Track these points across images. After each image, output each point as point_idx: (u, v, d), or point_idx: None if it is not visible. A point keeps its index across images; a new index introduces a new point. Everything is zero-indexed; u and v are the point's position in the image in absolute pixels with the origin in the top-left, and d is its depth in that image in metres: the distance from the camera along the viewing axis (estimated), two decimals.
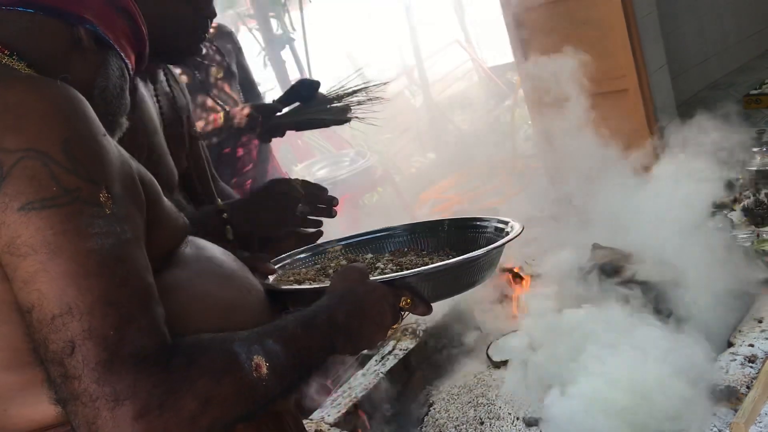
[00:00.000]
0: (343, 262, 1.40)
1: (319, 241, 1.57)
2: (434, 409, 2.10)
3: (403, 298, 1.06)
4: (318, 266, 1.41)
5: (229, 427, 0.83)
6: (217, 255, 1.08)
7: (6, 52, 0.92)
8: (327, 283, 1.16)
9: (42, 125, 0.80)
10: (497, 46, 6.28)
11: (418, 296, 1.08)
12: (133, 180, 0.89)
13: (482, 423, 1.95)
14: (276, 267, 1.37)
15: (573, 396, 1.82)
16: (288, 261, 1.44)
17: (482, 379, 2.15)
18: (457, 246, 1.39)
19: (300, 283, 1.31)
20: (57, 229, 0.77)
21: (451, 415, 2.03)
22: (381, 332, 1.04)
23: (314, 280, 1.33)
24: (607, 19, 3.43)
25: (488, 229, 1.39)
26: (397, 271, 1.24)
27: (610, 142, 3.06)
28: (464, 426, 1.97)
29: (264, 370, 0.85)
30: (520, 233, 1.25)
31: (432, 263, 1.27)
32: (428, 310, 1.09)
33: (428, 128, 6.30)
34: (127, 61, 1.09)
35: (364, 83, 2.29)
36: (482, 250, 1.20)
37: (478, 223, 1.42)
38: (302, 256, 1.47)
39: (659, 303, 2.07)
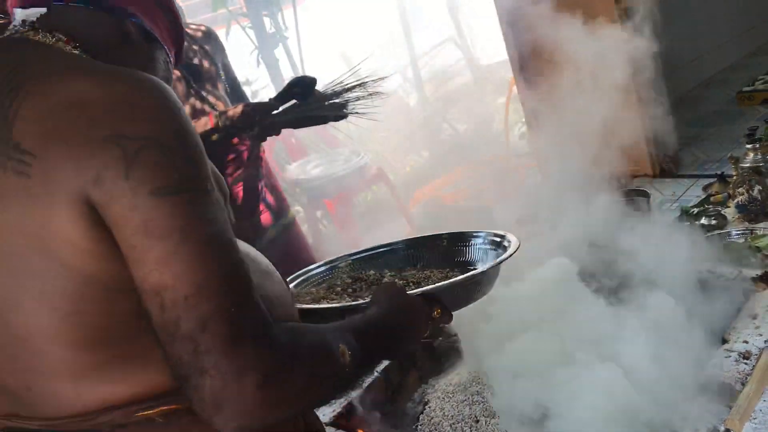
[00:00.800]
0: (348, 280, 1.48)
1: (330, 258, 1.65)
2: (429, 407, 2.09)
3: (435, 309, 1.16)
4: (325, 284, 1.50)
5: (318, 406, 0.95)
6: (251, 251, 1.10)
7: (73, 44, 0.95)
8: (349, 301, 1.29)
9: (156, 116, 0.84)
10: (491, 44, 6.28)
11: (444, 307, 1.18)
12: (213, 172, 0.93)
13: (477, 421, 1.95)
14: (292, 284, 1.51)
15: (567, 394, 1.82)
16: (303, 276, 1.55)
17: (477, 377, 2.14)
18: (451, 259, 1.45)
19: (317, 302, 1.39)
20: (185, 215, 0.81)
21: (446, 414, 2.02)
22: (418, 340, 1.15)
23: (326, 298, 1.41)
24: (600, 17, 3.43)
25: (483, 243, 1.45)
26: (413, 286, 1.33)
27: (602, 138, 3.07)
28: (459, 424, 1.96)
29: (347, 359, 0.91)
30: (518, 247, 1.36)
31: (434, 277, 1.35)
32: (451, 320, 1.18)
33: (422, 126, 6.29)
34: (169, 55, 1.12)
35: (362, 78, 2.27)
36: (493, 262, 1.30)
37: (473, 237, 1.47)
38: (315, 271, 1.57)
39: (652, 300, 2.07)
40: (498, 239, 1.44)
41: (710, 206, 3.15)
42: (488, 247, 1.47)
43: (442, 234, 1.55)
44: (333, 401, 1.04)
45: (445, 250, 1.52)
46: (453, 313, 1.22)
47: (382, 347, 1.06)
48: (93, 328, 0.85)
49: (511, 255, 1.34)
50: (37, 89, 0.84)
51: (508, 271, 1.45)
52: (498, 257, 1.37)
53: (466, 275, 1.28)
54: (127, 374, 0.87)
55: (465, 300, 1.29)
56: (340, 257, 1.60)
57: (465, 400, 2.06)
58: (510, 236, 1.41)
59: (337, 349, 0.91)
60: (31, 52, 0.92)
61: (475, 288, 1.30)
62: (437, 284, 1.25)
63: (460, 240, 1.52)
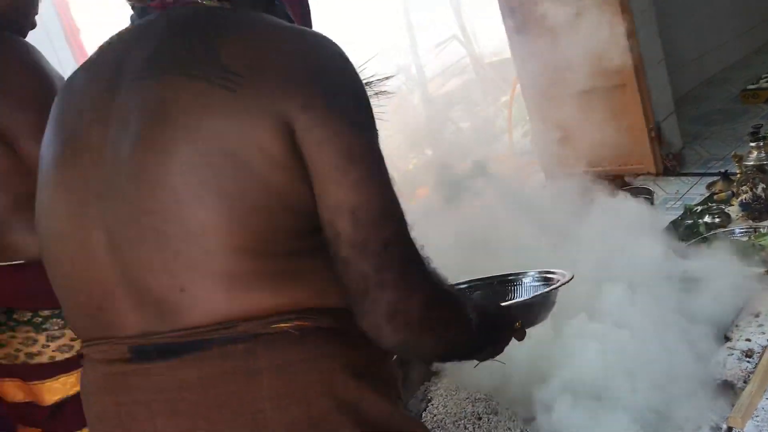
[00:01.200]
0: None
1: None
2: (432, 404, 2.10)
3: (517, 323, 1.21)
4: None
5: (445, 353, 1.07)
6: None
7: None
8: None
9: (344, 66, 0.97)
10: (495, 42, 6.28)
11: (523, 323, 1.23)
12: None
13: (480, 418, 1.95)
14: None
15: (570, 391, 1.82)
16: None
17: (479, 375, 2.15)
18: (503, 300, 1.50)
19: None
20: (375, 148, 0.93)
21: (449, 411, 2.03)
22: (502, 347, 1.19)
23: None
24: (605, 15, 3.42)
25: (533, 281, 1.52)
26: None
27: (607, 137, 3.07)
28: (462, 422, 1.97)
29: (473, 327, 1.02)
30: (572, 277, 1.40)
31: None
32: (524, 337, 1.23)
33: (426, 124, 6.28)
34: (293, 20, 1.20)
35: (367, 78, 2.26)
36: (558, 283, 1.37)
37: (523, 276, 1.54)
38: None
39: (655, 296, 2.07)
40: (549, 275, 1.49)
41: (714, 204, 3.15)
42: (539, 284, 1.50)
43: (494, 276, 1.58)
44: (456, 359, 1.12)
45: (496, 290, 1.55)
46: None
47: (483, 342, 1.12)
48: (261, 239, 0.91)
49: (569, 281, 1.37)
50: (237, 34, 0.96)
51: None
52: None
53: (542, 292, 1.35)
54: (275, 287, 0.92)
55: (534, 320, 1.33)
56: None
57: (468, 397, 2.06)
58: (560, 271, 1.45)
59: (470, 314, 1.02)
60: (216, 11, 1.01)
61: (548, 308, 1.36)
62: (523, 299, 1.34)
63: (510, 281, 1.55)
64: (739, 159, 3.21)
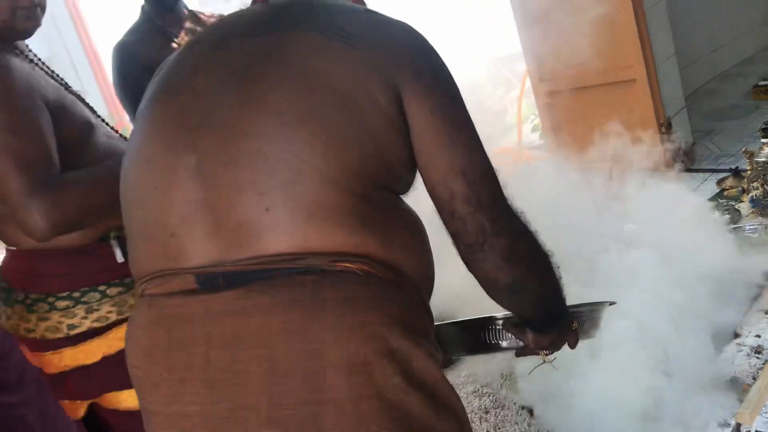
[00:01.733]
0: None
1: None
2: None
3: (574, 323, 1.27)
4: None
5: (542, 300, 1.14)
6: None
7: None
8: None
9: (434, 52, 1.10)
10: (504, 36, 6.25)
11: (578, 327, 1.30)
12: None
13: (487, 412, 1.96)
14: None
15: (576, 387, 1.82)
16: None
17: (487, 369, 2.15)
18: None
19: None
20: (470, 116, 1.06)
21: None
22: (563, 341, 1.25)
23: None
24: (615, 9, 3.40)
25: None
26: None
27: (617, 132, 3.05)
28: (469, 415, 1.97)
29: (558, 276, 1.14)
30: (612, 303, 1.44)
31: None
32: (576, 343, 1.28)
33: None
34: None
35: None
36: (606, 301, 1.41)
37: None
38: None
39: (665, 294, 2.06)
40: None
41: (724, 201, 3.13)
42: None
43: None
44: (546, 314, 1.18)
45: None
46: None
47: (549, 322, 1.20)
48: (349, 176, 0.99)
49: (611, 304, 1.42)
50: (342, 12, 1.08)
51: None
52: None
53: (600, 302, 1.39)
54: (349, 228, 0.98)
55: (583, 330, 1.36)
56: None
57: (475, 391, 2.06)
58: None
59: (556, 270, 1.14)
60: (315, 1, 1.12)
61: (595, 323, 1.40)
62: (586, 302, 1.36)
63: None
64: (750, 155, 3.18)
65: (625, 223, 2.53)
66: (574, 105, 3.59)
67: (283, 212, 0.97)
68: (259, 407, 0.96)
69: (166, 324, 1.02)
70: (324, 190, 0.97)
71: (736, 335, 1.92)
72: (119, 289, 1.62)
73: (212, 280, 1.00)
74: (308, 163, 0.98)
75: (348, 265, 0.98)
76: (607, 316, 1.39)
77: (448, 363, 1.60)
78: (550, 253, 1.13)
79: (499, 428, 1.87)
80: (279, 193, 0.97)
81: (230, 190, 0.99)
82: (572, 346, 1.27)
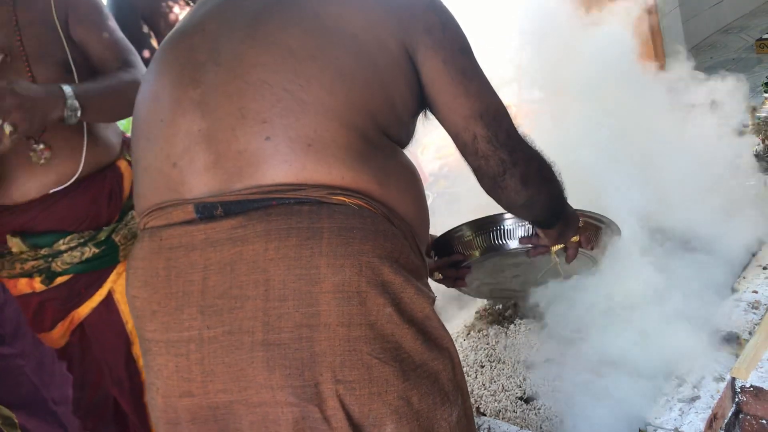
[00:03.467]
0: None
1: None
2: None
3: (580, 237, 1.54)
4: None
5: (551, 203, 1.34)
6: None
7: None
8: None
9: (444, 6, 1.18)
10: None
11: (593, 234, 1.57)
12: None
13: (482, 366, 1.96)
14: None
15: (572, 348, 1.82)
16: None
17: (483, 323, 2.15)
18: None
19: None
20: (478, 62, 1.16)
21: None
22: (565, 238, 1.52)
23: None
24: None
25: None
26: None
27: None
28: (465, 369, 1.97)
29: (562, 182, 1.35)
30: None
31: None
32: (590, 246, 1.60)
33: None
34: None
35: None
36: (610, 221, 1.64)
37: None
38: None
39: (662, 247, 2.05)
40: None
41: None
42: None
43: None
44: (556, 212, 1.42)
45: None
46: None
47: (563, 202, 1.40)
48: (353, 111, 1.03)
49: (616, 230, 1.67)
50: None
51: None
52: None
53: (605, 217, 1.61)
54: (347, 162, 1.02)
55: (592, 236, 1.58)
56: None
57: (470, 346, 2.06)
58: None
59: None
60: None
61: (601, 233, 1.61)
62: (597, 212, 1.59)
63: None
64: (753, 110, 3.14)
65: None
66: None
67: (283, 141, 0.99)
68: (254, 330, 0.98)
69: (166, 254, 1.04)
70: (326, 122, 1.00)
71: (734, 291, 1.92)
72: None
73: (211, 210, 1.02)
74: (313, 95, 1.00)
75: (344, 198, 1.01)
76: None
77: (464, 270, 1.73)
78: (552, 163, 1.29)
79: (494, 381, 1.87)
80: (281, 122, 0.99)
81: (233, 119, 1.01)
82: (587, 244, 1.53)
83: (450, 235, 1.68)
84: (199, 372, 1.00)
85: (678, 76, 2.59)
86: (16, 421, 1.51)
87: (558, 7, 2.46)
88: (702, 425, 1.54)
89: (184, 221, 1.03)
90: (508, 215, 1.58)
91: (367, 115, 1.04)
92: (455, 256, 1.67)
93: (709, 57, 4.41)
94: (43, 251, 1.78)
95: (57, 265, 1.80)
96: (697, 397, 1.61)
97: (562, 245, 1.53)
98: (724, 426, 1.64)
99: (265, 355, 0.97)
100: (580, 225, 1.51)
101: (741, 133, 3.21)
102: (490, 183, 1.20)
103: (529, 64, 2.62)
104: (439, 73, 1.11)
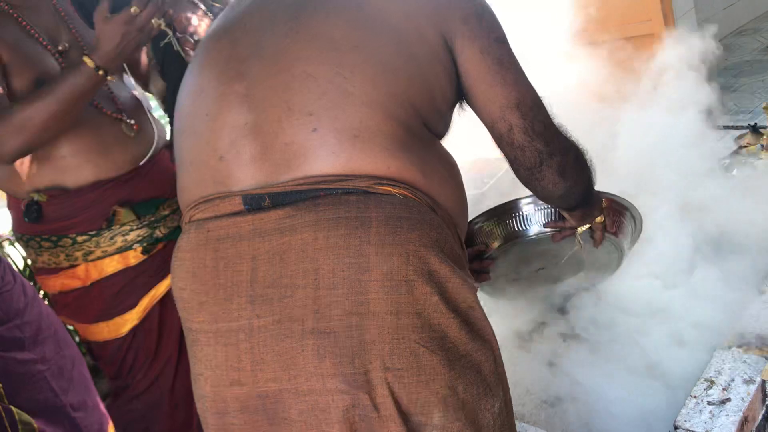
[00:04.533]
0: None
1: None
2: None
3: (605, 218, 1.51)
4: None
5: (585, 190, 1.32)
6: None
7: None
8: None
9: None
10: None
11: (615, 216, 1.55)
12: None
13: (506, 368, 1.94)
14: None
15: (596, 349, 1.80)
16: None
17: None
18: None
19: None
20: (513, 53, 1.14)
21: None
22: (590, 218, 1.49)
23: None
24: None
25: None
26: None
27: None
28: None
29: (590, 173, 1.33)
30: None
31: None
32: (606, 231, 1.54)
33: None
34: None
35: None
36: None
37: None
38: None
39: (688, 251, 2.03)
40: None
41: (743, 158, 3.08)
42: None
43: None
44: (587, 198, 1.40)
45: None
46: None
47: (582, 199, 1.37)
48: (396, 102, 1.02)
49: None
50: None
51: None
52: None
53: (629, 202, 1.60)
54: (393, 153, 1.02)
55: (618, 220, 1.56)
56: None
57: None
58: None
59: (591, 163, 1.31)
60: None
61: (627, 220, 1.59)
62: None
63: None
64: None
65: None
66: (593, 60, 3.51)
67: (329, 133, 1.00)
68: (305, 319, 0.98)
69: (213, 245, 1.04)
70: (371, 113, 1.00)
71: (761, 292, 1.89)
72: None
73: (258, 201, 1.02)
74: (358, 86, 1.00)
75: (390, 189, 1.02)
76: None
77: (488, 262, 1.69)
78: (586, 151, 1.29)
79: (518, 384, 1.86)
80: (326, 113, 1.00)
81: (280, 111, 1.01)
82: (607, 227, 1.51)
83: (469, 229, 1.65)
84: (249, 361, 1.00)
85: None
86: (36, 426, 1.50)
87: None
88: (734, 428, 1.52)
89: (231, 213, 1.03)
90: (525, 200, 1.57)
91: (410, 106, 1.04)
92: (478, 246, 1.65)
93: (724, 59, 4.39)
94: (148, 217, 1.84)
95: (160, 231, 1.87)
96: (728, 400, 1.59)
97: (588, 226, 1.51)
98: (755, 429, 1.62)
99: (316, 343, 0.97)
100: (603, 205, 1.51)
101: (760, 134, 3.20)
102: (526, 174, 1.19)
103: None
104: (476, 62, 1.11)
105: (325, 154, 1.00)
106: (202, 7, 2.26)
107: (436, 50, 1.08)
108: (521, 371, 1.90)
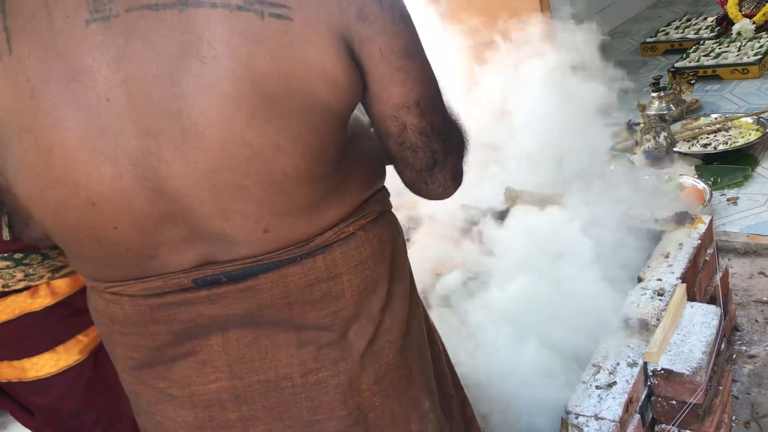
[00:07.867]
0: None
1: None
2: None
3: None
4: None
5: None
6: None
7: None
8: None
9: None
10: None
11: None
12: None
13: None
14: None
15: (489, 327, 1.86)
16: None
17: None
18: None
19: None
20: (418, 35, 0.97)
21: None
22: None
23: None
24: None
25: None
26: None
27: None
28: None
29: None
30: None
31: None
32: None
33: None
34: None
35: None
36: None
37: None
38: None
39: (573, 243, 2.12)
40: None
41: (618, 153, 3.27)
42: None
43: None
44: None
45: None
46: None
47: None
48: (330, 160, 0.93)
49: None
50: None
51: None
52: None
53: None
54: (340, 197, 0.97)
55: None
56: None
57: None
58: None
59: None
60: None
61: None
62: None
63: None
64: (643, 108, 3.32)
65: None
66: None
67: (283, 225, 0.94)
68: (292, 376, 0.98)
69: (164, 319, 0.96)
70: (315, 192, 0.94)
71: (640, 279, 2.01)
72: (7, 263, 1.49)
73: (212, 280, 0.95)
74: (290, 187, 0.91)
75: (349, 229, 1.00)
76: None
77: None
78: (465, 130, 1.12)
79: None
80: (271, 216, 0.92)
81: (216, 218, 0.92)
82: None
83: None
84: (237, 419, 1.00)
85: None
86: None
87: None
88: (620, 410, 1.61)
89: (176, 289, 0.96)
90: None
91: (332, 148, 1.01)
92: None
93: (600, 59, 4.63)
94: None
95: None
96: (614, 383, 1.68)
97: None
98: (638, 409, 1.72)
99: (308, 395, 0.99)
100: None
101: (633, 131, 3.40)
102: (414, 176, 1.04)
103: None
104: (376, 62, 0.94)
105: (281, 239, 0.99)
106: None
107: (342, 81, 0.92)
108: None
